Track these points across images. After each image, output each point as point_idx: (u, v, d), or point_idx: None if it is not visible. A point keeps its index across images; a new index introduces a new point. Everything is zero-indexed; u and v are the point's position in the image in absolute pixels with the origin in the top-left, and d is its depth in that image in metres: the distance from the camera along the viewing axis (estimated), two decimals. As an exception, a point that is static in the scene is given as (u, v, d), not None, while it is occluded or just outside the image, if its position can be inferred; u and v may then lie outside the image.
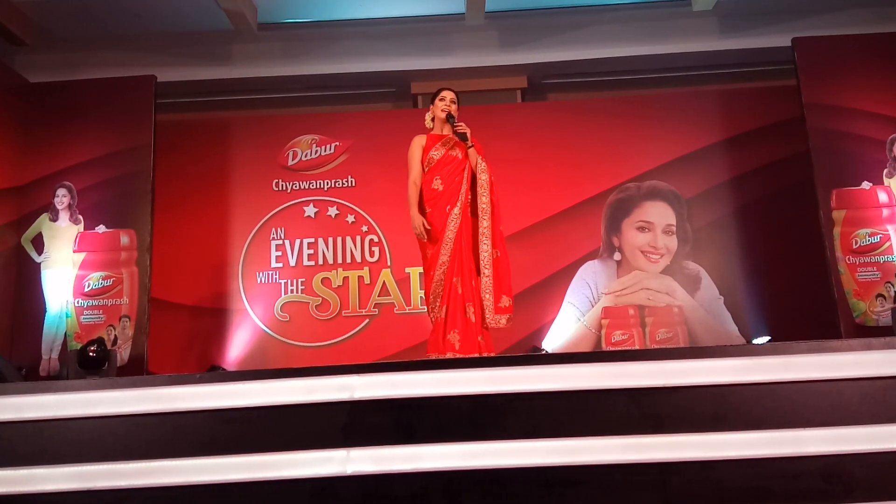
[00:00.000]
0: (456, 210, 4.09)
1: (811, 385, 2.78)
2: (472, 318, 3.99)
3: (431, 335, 4.07)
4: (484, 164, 4.17)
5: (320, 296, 6.67)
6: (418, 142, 4.26)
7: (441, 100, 4.26)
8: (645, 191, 6.81)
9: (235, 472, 2.77)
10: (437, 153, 4.20)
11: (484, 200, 4.12)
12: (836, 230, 5.97)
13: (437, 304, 4.04)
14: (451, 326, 3.96)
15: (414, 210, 4.15)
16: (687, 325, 6.50)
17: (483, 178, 4.15)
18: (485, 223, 4.10)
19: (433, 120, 4.31)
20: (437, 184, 4.14)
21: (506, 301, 4.08)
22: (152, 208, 6.19)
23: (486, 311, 4.04)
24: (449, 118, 4.20)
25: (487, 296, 4.05)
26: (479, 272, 4.10)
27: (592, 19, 6.83)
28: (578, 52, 6.84)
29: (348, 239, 6.79)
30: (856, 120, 6.10)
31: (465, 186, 4.14)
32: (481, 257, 4.08)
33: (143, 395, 2.93)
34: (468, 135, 4.16)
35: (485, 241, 4.08)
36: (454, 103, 4.26)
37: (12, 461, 2.86)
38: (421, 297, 6.31)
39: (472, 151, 4.17)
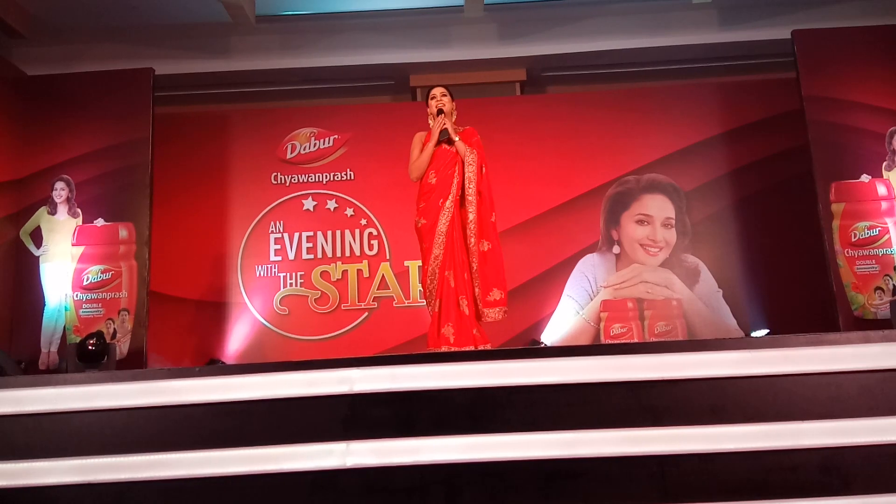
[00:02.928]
0: (448, 203, 4.09)
1: (810, 378, 2.79)
2: (466, 311, 4.00)
3: (430, 329, 4.09)
4: (473, 154, 4.15)
5: (319, 289, 6.67)
6: (419, 137, 4.29)
7: (432, 98, 4.29)
8: (644, 184, 6.81)
9: (235, 464, 2.78)
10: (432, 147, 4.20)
11: (470, 191, 4.11)
12: (835, 223, 5.98)
13: (433, 297, 4.06)
14: (445, 320, 3.98)
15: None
16: (686, 318, 6.51)
17: (470, 168, 4.13)
18: (471, 215, 4.09)
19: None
20: (432, 177, 4.15)
21: (496, 294, 4.07)
22: (151, 201, 6.18)
23: (477, 304, 4.05)
24: (438, 113, 4.22)
25: (477, 290, 4.05)
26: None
27: (592, 12, 6.81)
28: (578, 45, 6.83)
29: (347, 232, 6.79)
30: (855, 113, 6.09)
31: (457, 179, 4.13)
32: (470, 250, 4.08)
33: (142, 388, 2.93)
34: (449, 130, 4.16)
35: (471, 235, 4.08)
36: (444, 96, 4.27)
37: (12, 455, 2.86)
38: (420, 290, 6.32)
39: (459, 144, 4.16)
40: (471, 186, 4.11)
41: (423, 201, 4.16)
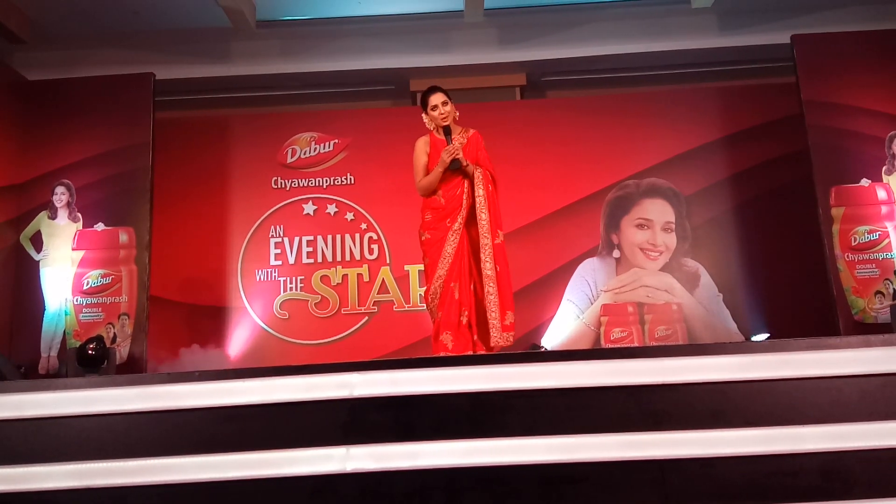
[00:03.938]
0: (456, 226, 3.96)
1: (810, 382, 2.78)
2: (464, 321, 3.96)
3: (432, 335, 4.07)
4: (481, 176, 3.99)
5: (319, 293, 6.67)
6: (423, 148, 4.10)
7: (433, 108, 4.02)
8: (644, 188, 6.81)
9: (235, 469, 2.77)
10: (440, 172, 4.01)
11: (483, 217, 3.96)
12: (835, 227, 5.98)
13: (435, 307, 4.00)
14: (445, 328, 3.93)
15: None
16: (686, 322, 6.51)
17: (480, 193, 3.97)
18: (485, 240, 3.96)
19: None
20: (440, 197, 4.01)
21: (510, 317, 3.99)
22: (151, 206, 6.19)
23: (493, 330, 3.91)
24: (447, 136, 4.00)
25: (494, 313, 3.91)
26: (480, 281, 3.96)
27: (591, 16, 6.83)
28: (577, 50, 6.85)
29: (347, 236, 6.79)
30: (855, 117, 6.10)
31: (465, 202, 3.99)
32: (484, 275, 3.94)
33: (142, 392, 2.93)
34: (460, 160, 3.94)
35: (487, 259, 3.94)
36: (446, 105, 4.02)
37: (12, 459, 2.85)
38: (420, 294, 6.32)
39: (468, 168, 3.99)
40: (484, 212, 3.95)
41: (429, 213, 4.03)
